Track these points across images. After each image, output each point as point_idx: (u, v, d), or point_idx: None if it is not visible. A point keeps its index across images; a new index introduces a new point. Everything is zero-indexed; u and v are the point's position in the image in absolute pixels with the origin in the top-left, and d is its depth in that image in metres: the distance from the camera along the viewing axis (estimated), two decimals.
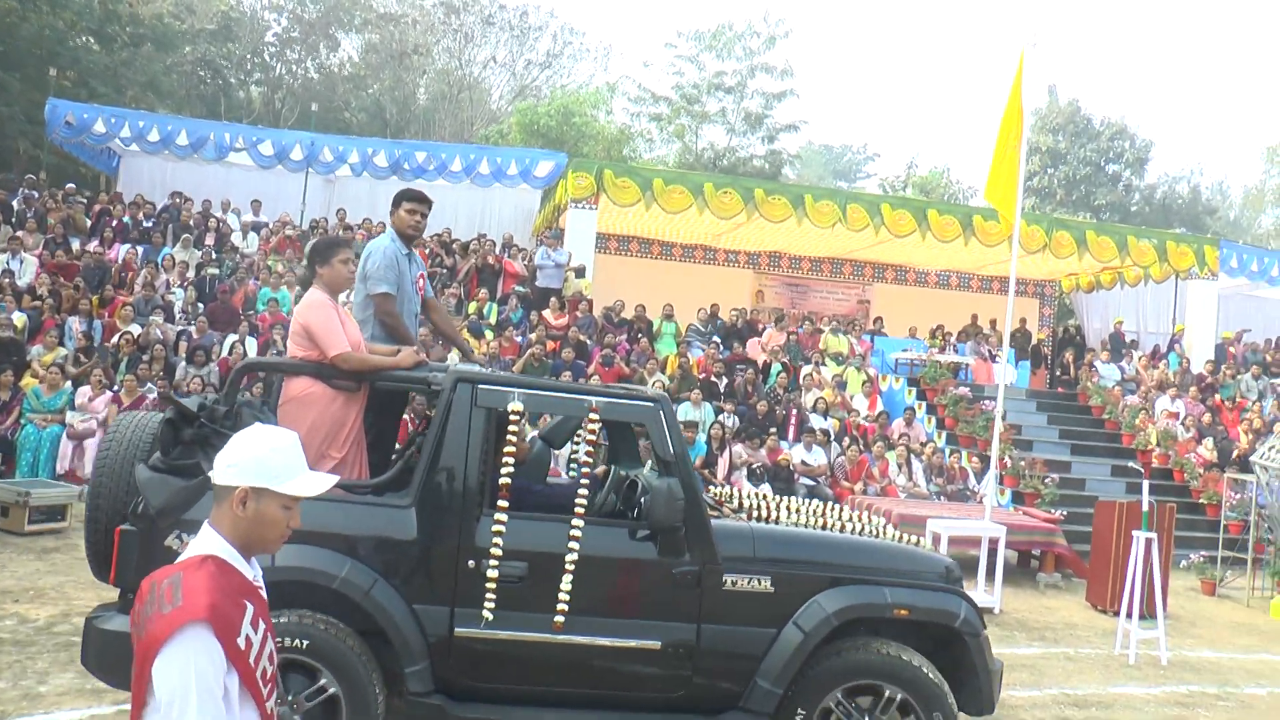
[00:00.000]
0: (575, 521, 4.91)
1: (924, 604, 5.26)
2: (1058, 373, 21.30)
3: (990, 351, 20.92)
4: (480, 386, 5.07)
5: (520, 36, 40.23)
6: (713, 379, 16.10)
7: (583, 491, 5.02)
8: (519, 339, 16.22)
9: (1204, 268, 21.77)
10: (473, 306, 16.94)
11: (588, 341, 16.26)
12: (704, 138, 37.76)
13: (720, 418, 15.00)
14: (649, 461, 6.29)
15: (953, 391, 17.19)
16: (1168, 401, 18.56)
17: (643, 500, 5.37)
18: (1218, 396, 19.74)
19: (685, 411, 15.01)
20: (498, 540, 4.81)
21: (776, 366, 16.87)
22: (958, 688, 5.25)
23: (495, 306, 17.21)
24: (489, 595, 4.77)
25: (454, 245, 18.72)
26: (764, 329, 19.02)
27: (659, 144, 36.67)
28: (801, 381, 16.51)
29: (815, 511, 5.90)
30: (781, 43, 36.46)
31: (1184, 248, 21.72)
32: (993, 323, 23.63)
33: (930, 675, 5.09)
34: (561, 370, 14.90)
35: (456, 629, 4.80)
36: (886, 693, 5.07)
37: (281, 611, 4.56)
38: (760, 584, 5.05)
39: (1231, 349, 22.59)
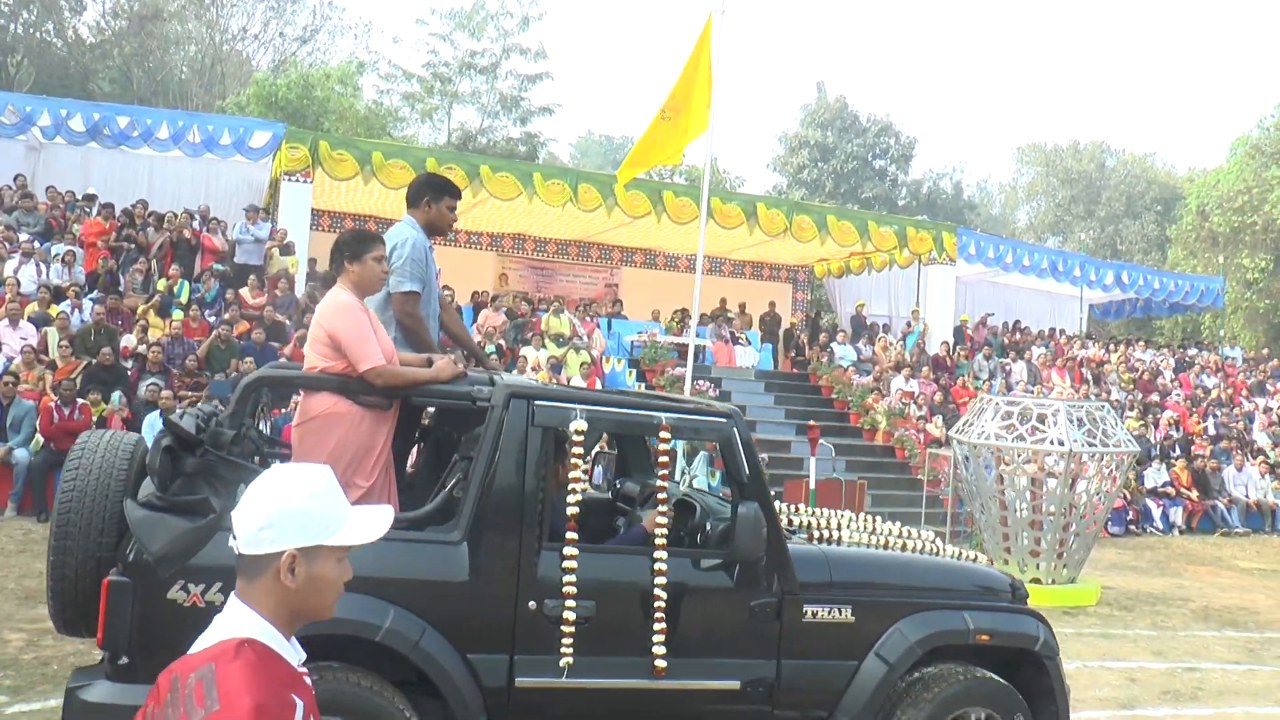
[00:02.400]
0: (659, 554, 4.40)
1: (1005, 628, 5.02)
2: (792, 354, 21.23)
3: (732, 334, 20.68)
4: (537, 403, 4.47)
5: (277, 9, 38.20)
6: None
7: (662, 520, 4.49)
8: (211, 319, 14.82)
9: (942, 253, 22.06)
10: (162, 283, 15.41)
11: (285, 322, 14.98)
12: (456, 119, 36.67)
13: None
14: (679, 476, 5.52)
15: (670, 373, 16.76)
16: (902, 381, 18.64)
17: (708, 525, 4.91)
18: (957, 377, 20.12)
19: None
20: (570, 578, 4.26)
21: (490, 348, 15.96)
22: (1035, 712, 5.00)
23: (187, 284, 15.69)
24: (565, 640, 4.23)
25: (149, 218, 17.03)
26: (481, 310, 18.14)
27: (410, 124, 35.32)
28: (516, 364, 15.66)
29: (868, 528, 5.42)
30: (536, 25, 35.80)
31: (923, 234, 21.96)
32: (741, 306, 23.56)
33: (1021, 702, 4.88)
34: (249, 353, 13.62)
35: (517, 678, 4.24)
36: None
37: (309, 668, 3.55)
38: (841, 614, 4.70)
39: (969, 331, 23.08)
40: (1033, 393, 20.26)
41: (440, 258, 19.43)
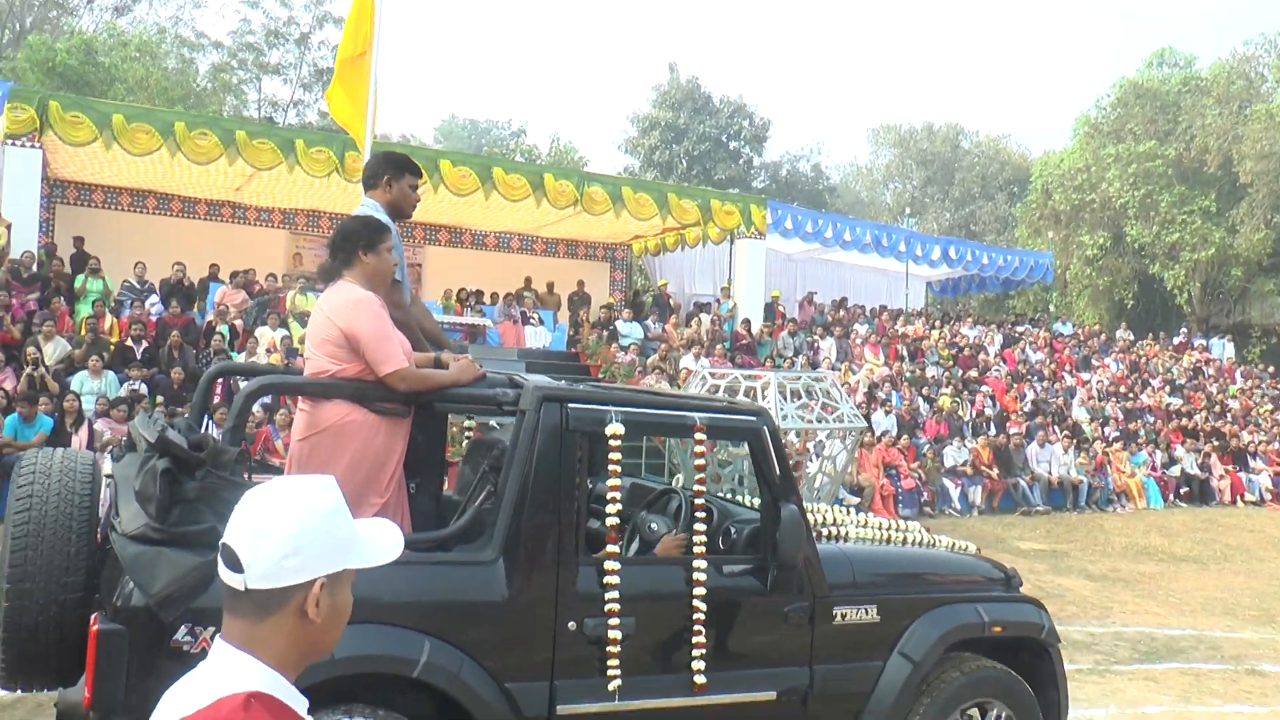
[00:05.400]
0: (698, 564, 4.20)
1: (1014, 618, 5.07)
2: (571, 332, 20.13)
3: (524, 314, 19.49)
4: (571, 406, 4.17)
5: None
6: (128, 344, 13.50)
7: (701, 527, 4.27)
8: None
9: (750, 227, 21.09)
10: None
11: None
12: (265, 91, 34.68)
13: (128, 386, 12.50)
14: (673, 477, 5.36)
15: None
16: (691, 360, 17.56)
17: (731, 530, 4.74)
18: (761, 357, 19.21)
19: (81, 381, 12.42)
20: (612, 594, 4.00)
21: (225, 328, 14.46)
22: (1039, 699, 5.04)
23: None
24: (611, 661, 3.98)
25: None
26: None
27: (215, 98, 33.11)
28: (249, 345, 14.16)
29: (862, 522, 5.29)
30: None
31: (730, 206, 20.94)
32: (549, 286, 22.40)
33: (1028, 690, 4.95)
34: None
35: (558, 706, 3.94)
36: (994, 711, 4.87)
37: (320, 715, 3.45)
38: (868, 614, 4.64)
39: (780, 308, 22.23)
40: (840, 370, 19.41)
41: (227, 236, 17.88)
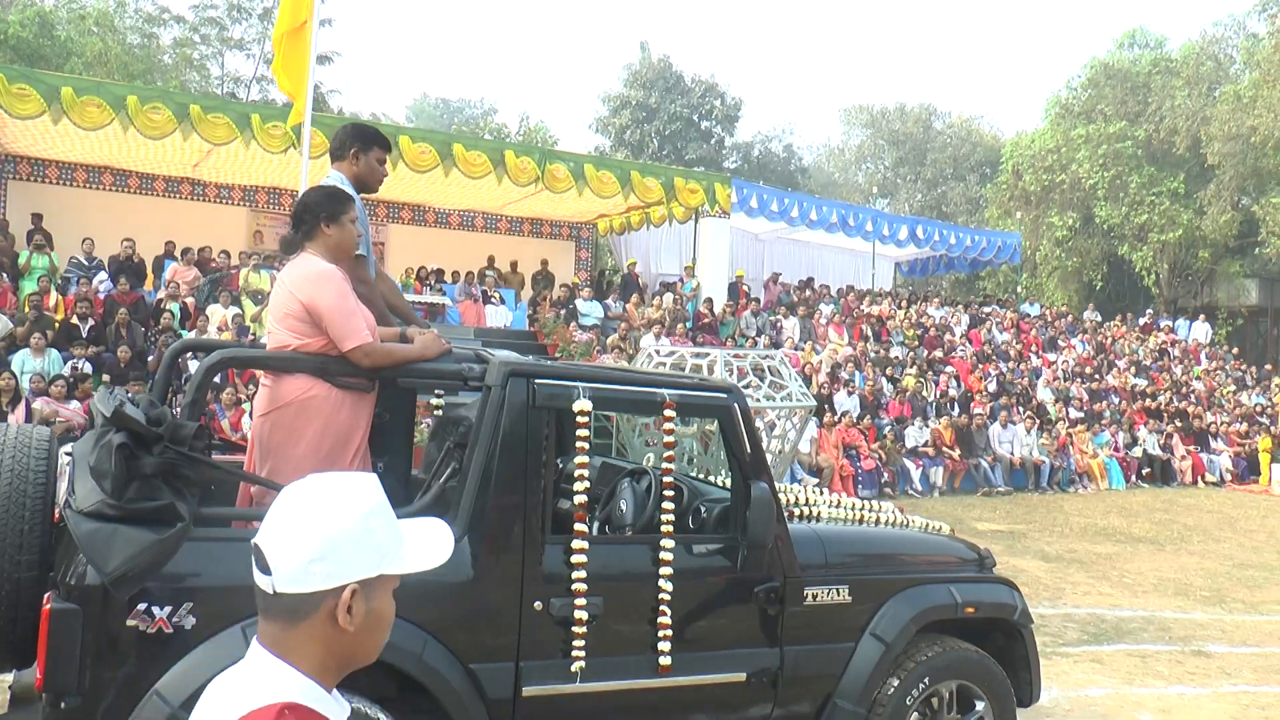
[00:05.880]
0: (665, 543, 4.14)
1: (987, 599, 5.04)
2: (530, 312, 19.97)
3: (485, 293, 19.30)
4: (538, 381, 4.08)
5: None
6: (74, 321, 13.25)
7: (669, 504, 4.21)
8: None
9: (715, 205, 20.89)
10: None
11: None
12: (229, 67, 34.15)
13: (72, 365, 12.26)
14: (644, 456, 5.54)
15: None
16: (652, 340, 17.43)
17: (702, 509, 4.72)
18: (723, 337, 19.07)
19: (23, 360, 12.17)
20: (580, 574, 3.95)
21: (175, 306, 14.21)
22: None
23: None
24: (577, 641, 3.93)
25: None
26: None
27: (176, 72, 32.54)
28: (200, 323, 13.93)
29: (835, 502, 5.28)
30: None
31: (693, 184, 20.71)
32: (513, 265, 22.20)
33: (1000, 671, 4.94)
34: None
35: (524, 687, 3.89)
36: (966, 693, 4.85)
37: None
38: (839, 594, 4.59)
39: (745, 287, 22.09)
40: (803, 350, 19.33)
41: (185, 214, 17.57)
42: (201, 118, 16.11)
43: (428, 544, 1.65)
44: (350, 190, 4.59)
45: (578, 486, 4.06)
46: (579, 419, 4.07)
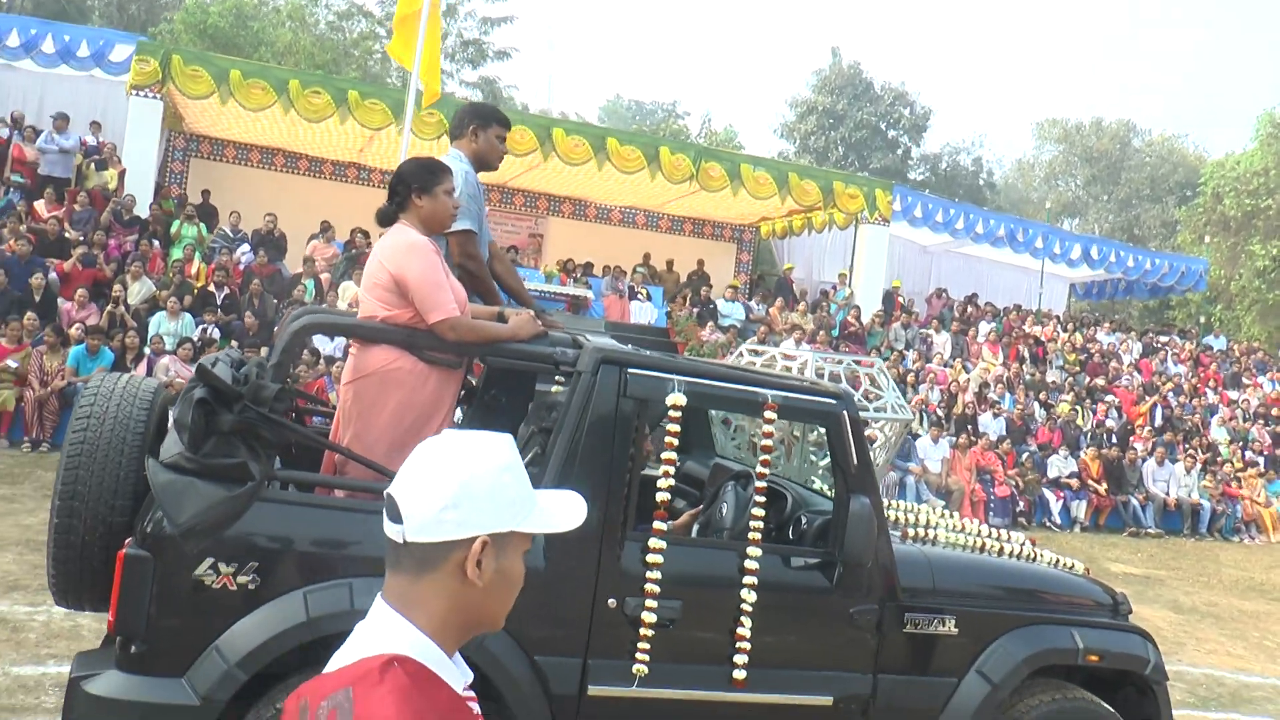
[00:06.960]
0: (751, 550, 3.97)
1: (1115, 648, 4.64)
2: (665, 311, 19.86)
3: (631, 289, 19.33)
4: (631, 371, 3.97)
5: None
6: (210, 289, 13.86)
7: (758, 511, 4.04)
8: None
9: (874, 212, 20.36)
10: None
11: (78, 237, 13.83)
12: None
13: (201, 329, 12.85)
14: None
15: None
16: (792, 345, 17.11)
17: (802, 520, 4.54)
18: (868, 347, 18.59)
19: (159, 322, 12.82)
20: (654, 574, 3.82)
21: (310, 282, 14.71)
22: None
23: None
24: (642, 644, 3.81)
25: None
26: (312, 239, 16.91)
27: (355, 64, 33.62)
28: (330, 299, 14.39)
29: (957, 526, 5.05)
30: None
31: (853, 189, 20.24)
32: (669, 263, 22.17)
33: None
34: (6, 266, 12.48)
35: (590, 686, 3.80)
36: None
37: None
38: (945, 625, 4.32)
39: (900, 299, 21.50)
40: (952, 367, 18.65)
41: (349, 197, 18.29)
42: (359, 103, 16.67)
43: (561, 508, 1.63)
44: (467, 167, 4.65)
45: (661, 484, 3.94)
46: (670, 413, 3.95)
